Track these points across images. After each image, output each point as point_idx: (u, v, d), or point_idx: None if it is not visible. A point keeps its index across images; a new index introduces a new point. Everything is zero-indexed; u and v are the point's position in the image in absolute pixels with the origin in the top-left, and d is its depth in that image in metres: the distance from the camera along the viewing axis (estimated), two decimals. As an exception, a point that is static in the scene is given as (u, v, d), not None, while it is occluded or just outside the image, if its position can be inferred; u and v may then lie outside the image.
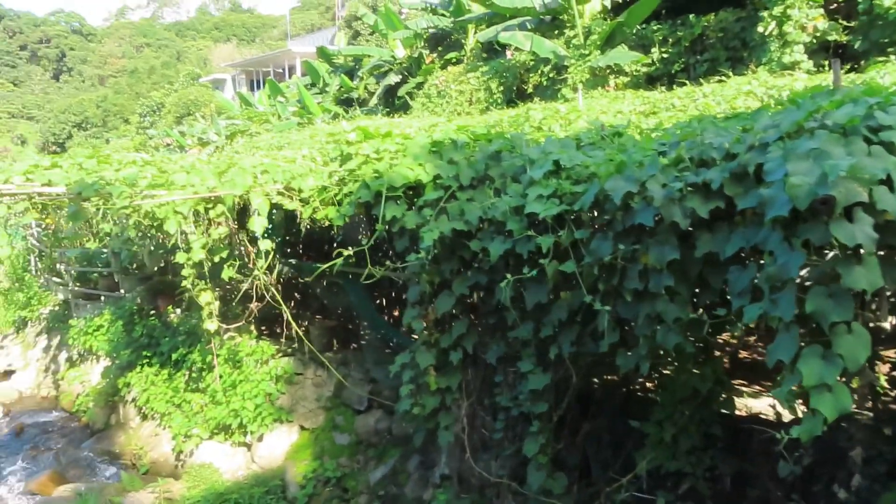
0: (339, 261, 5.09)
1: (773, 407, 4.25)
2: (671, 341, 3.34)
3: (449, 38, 18.65)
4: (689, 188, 3.22)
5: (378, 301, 7.24)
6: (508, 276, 3.94)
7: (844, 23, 9.84)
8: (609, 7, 13.31)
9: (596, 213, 3.84)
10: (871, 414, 3.66)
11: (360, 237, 5.94)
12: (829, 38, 9.80)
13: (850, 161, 2.50)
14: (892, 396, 3.95)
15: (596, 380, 4.81)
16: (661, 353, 3.86)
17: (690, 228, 3.23)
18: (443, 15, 18.29)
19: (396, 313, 7.19)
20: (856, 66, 9.34)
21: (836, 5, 10.18)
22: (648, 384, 4.79)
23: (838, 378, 2.43)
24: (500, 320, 4.57)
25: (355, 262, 5.13)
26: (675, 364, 4.13)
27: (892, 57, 8.90)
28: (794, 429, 2.50)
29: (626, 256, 3.47)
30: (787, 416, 4.06)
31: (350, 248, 5.03)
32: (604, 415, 4.67)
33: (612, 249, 3.51)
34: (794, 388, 2.55)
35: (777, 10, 9.97)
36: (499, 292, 4.07)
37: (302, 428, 7.09)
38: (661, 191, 3.29)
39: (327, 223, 5.36)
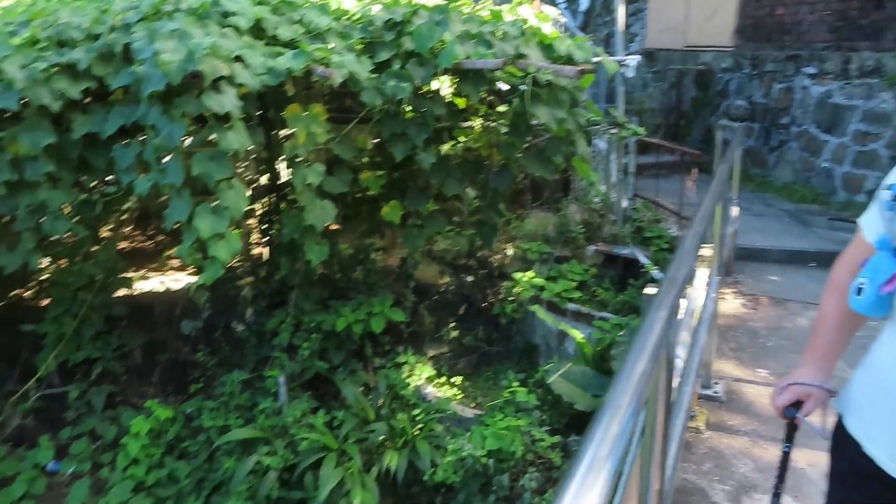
0: None
1: (163, 283, 4.62)
2: (60, 228, 3.26)
3: None
4: (55, 69, 3.08)
5: None
6: None
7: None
8: None
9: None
10: (248, 263, 4.38)
11: None
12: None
13: (210, 40, 2.84)
14: (260, 242, 4.76)
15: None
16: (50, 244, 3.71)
17: (62, 111, 3.13)
18: None
19: None
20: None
21: None
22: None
23: (228, 227, 2.87)
24: None
25: None
26: (67, 254, 4.02)
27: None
28: (199, 277, 2.86)
29: (-10, 146, 3.14)
30: (174, 287, 4.49)
31: None
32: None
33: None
34: (193, 243, 2.88)
35: None
36: None
37: None
38: (21, 72, 3.05)
39: None
